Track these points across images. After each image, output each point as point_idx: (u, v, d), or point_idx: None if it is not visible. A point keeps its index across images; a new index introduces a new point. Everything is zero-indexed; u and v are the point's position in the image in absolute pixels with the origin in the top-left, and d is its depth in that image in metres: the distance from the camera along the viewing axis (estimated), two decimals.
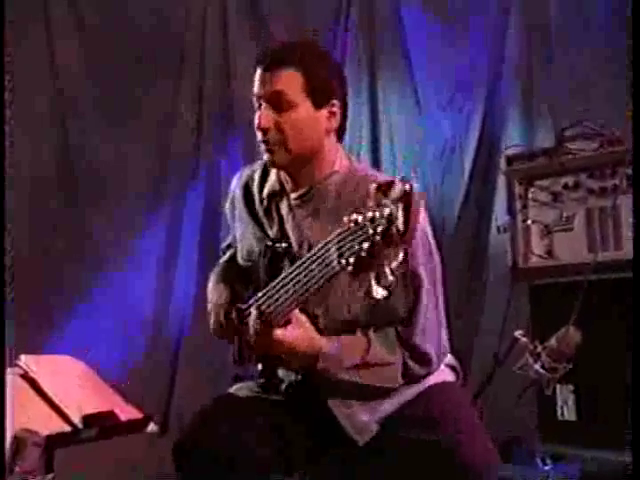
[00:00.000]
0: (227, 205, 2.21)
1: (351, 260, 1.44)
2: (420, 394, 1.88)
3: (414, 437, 1.75)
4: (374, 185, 1.44)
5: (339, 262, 1.48)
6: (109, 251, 3.77)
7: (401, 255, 1.40)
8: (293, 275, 1.72)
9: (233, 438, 1.84)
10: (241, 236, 2.14)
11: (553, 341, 2.49)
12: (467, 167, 3.88)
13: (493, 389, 2.75)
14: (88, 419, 2.32)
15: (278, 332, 1.78)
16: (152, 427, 2.50)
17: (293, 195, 1.99)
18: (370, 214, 1.41)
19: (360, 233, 1.43)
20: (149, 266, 3.84)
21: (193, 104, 3.94)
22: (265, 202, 2.05)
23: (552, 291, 2.80)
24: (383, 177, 1.93)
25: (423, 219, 1.88)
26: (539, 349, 2.50)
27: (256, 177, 2.08)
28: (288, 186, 2.00)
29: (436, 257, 1.93)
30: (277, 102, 1.89)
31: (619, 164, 2.67)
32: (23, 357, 2.43)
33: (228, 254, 2.26)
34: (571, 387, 2.70)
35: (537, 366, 2.48)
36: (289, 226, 1.99)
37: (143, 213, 3.85)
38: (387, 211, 1.39)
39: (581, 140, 2.80)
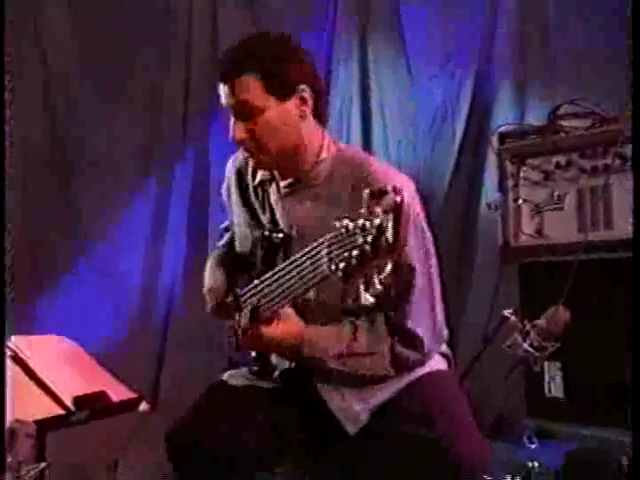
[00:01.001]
0: (224, 188, 2.18)
1: (341, 266, 1.43)
2: (412, 384, 1.87)
3: (405, 429, 1.74)
4: (367, 191, 1.41)
5: (329, 267, 1.47)
6: (98, 228, 3.73)
7: (389, 266, 1.40)
8: (285, 272, 1.69)
9: (230, 437, 1.83)
10: (238, 222, 2.11)
11: (542, 320, 2.47)
12: (458, 135, 3.78)
13: (482, 367, 2.74)
14: (80, 400, 2.29)
15: (264, 329, 1.77)
16: (143, 406, 2.48)
17: (283, 184, 1.96)
18: (361, 222, 1.40)
19: (351, 240, 1.41)
20: (138, 243, 3.80)
21: (180, 84, 3.86)
22: (257, 189, 2.02)
23: (542, 270, 2.76)
24: (374, 164, 1.91)
25: (416, 205, 1.86)
26: (528, 328, 2.47)
27: (250, 163, 2.04)
28: (278, 175, 1.97)
29: (429, 244, 1.89)
30: (243, 111, 1.85)
31: (611, 143, 2.60)
32: (13, 338, 2.39)
33: (226, 237, 2.24)
34: (559, 364, 2.67)
35: (526, 344, 2.46)
36: (279, 214, 1.97)
37: (132, 192, 3.81)
38: (377, 221, 1.38)
39: (574, 118, 2.73)
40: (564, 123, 2.73)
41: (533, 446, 2.52)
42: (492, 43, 3.67)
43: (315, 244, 1.54)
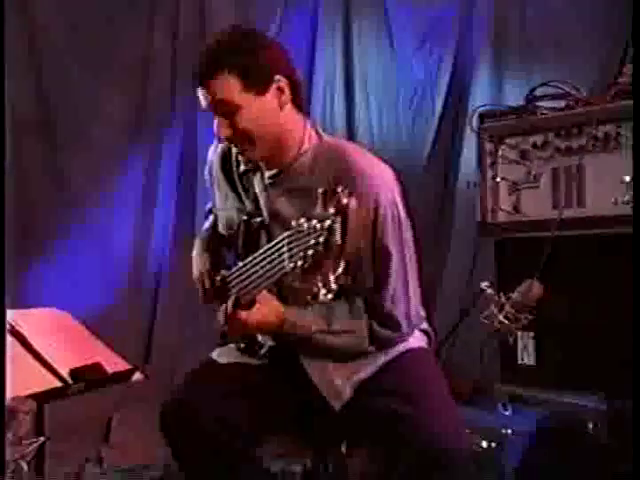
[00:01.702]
0: (206, 172, 2.18)
1: (299, 263, 1.49)
2: (393, 361, 1.92)
3: (383, 405, 1.79)
4: (320, 191, 1.48)
5: (289, 263, 1.53)
6: (87, 197, 3.74)
7: (342, 267, 1.44)
8: (260, 260, 1.74)
9: (220, 413, 1.87)
10: (221, 205, 2.12)
11: (516, 294, 2.56)
12: (437, 111, 3.86)
13: (459, 337, 2.84)
14: (76, 372, 2.29)
15: (246, 314, 1.82)
16: (137, 376, 2.46)
17: (267, 174, 1.98)
18: (314, 223, 1.46)
19: (305, 240, 1.47)
20: (127, 210, 3.81)
21: (167, 53, 3.84)
22: (242, 177, 2.04)
23: (517, 245, 2.81)
24: (354, 155, 1.92)
25: (395, 194, 1.90)
26: (503, 300, 2.57)
27: (234, 149, 2.03)
28: (263, 166, 1.98)
29: (406, 231, 1.93)
30: (223, 110, 1.85)
31: (585, 125, 2.64)
32: (9, 312, 2.39)
33: (210, 220, 2.25)
34: (531, 334, 2.75)
35: (501, 316, 2.56)
36: (262, 202, 1.99)
37: (120, 161, 3.81)
38: (327, 223, 1.43)
39: (550, 100, 2.77)
40: (541, 104, 2.78)
41: (507, 413, 2.62)
42: (470, 23, 3.72)
43: (277, 240, 1.60)
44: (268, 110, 1.87)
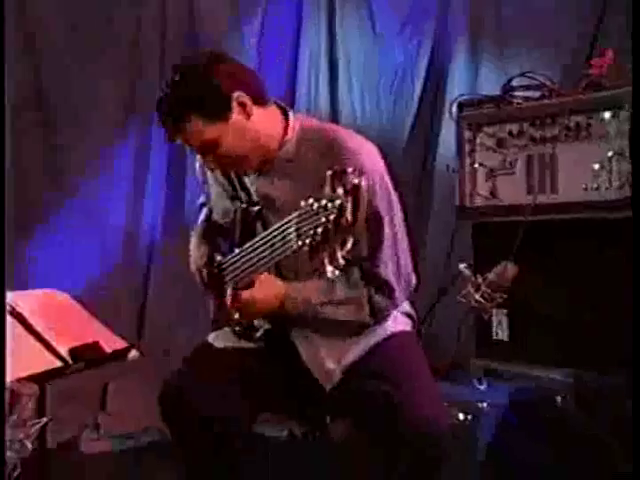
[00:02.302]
0: (198, 165, 2.21)
1: (307, 241, 1.52)
2: (380, 345, 1.99)
3: (373, 389, 1.85)
4: (329, 172, 1.50)
5: (297, 241, 1.57)
6: (82, 171, 3.77)
7: (350, 242, 1.49)
8: (259, 245, 1.80)
9: (217, 398, 1.92)
10: (216, 196, 2.16)
11: (492, 274, 2.62)
12: (417, 92, 3.89)
13: (438, 315, 2.94)
14: (75, 352, 2.33)
15: (248, 294, 1.88)
16: (133, 354, 2.51)
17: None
18: (324, 202, 1.49)
19: (315, 218, 1.50)
20: (120, 183, 3.86)
21: (155, 37, 3.85)
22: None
23: (494, 229, 2.89)
24: (338, 129, 2.01)
25: (380, 167, 1.97)
26: (480, 281, 2.63)
27: None
28: None
29: (394, 198, 1.98)
30: (200, 147, 1.90)
31: (558, 115, 2.71)
32: (9, 294, 2.39)
33: (204, 212, 2.28)
34: (505, 311, 2.85)
35: (477, 295, 2.63)
36: (254, 192, 2.03)
37: (114, 141, 3.81)
38: (338, 202, 1.47)
39: (525, 90, 2.83)
40: (517, 94, 2.85)
41: (482, 387, 2.75)
42: (449, 8, 3.77)
43: (285, 221, 1.64)
44: (239, 128, 1.90)
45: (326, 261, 1.50)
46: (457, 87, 3.73)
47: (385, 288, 1.94)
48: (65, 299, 2.67)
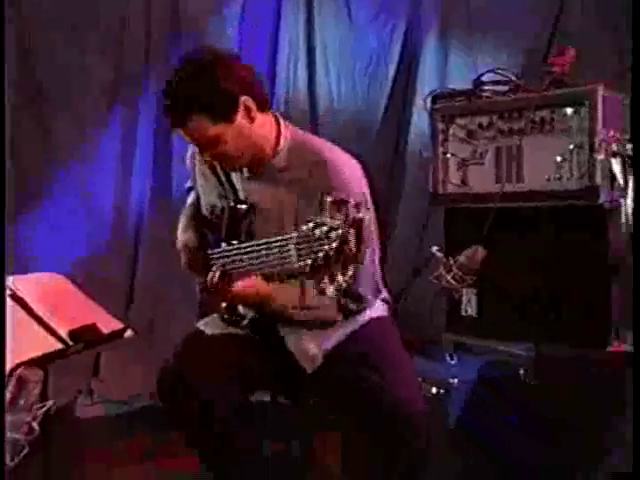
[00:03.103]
0: (188, 156, 2.23)
1: (308, 262, 1.52)
2: (359, 330, 2.05)
3: (353, 374, 1.93)
4: (329, 199, 1.52)
5: (297, 262, 1.56)
6: (70, 150, 3.79)
7: (351, 271, 1.51)
8: (256, 251, 1.81)
9: (210, 382, 1.95)
10: (204, 190, 2.19)
11: (462, 257, 2.75)
12: (390, 75, 3.98)
13: (411, 295, 3.07)
14: (74, 333, 2.35)
15: (232, 288, 1.92)
16: (129, 334, 2.51)
17: (245, 169, 2.06)
18: (325, 229, 1.49)
19: (318, 243, 1.50)
20: (108, 162, 3.88)
21: (141, 17, 3.86)
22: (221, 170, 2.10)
23: (464, 214, 3.01)
24: (325, 148, 2.01)
25: (362, 185, 2.00)
26: (451, 263, 2.76)
27: None
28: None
29: (372, 217, 1.96)
30: (203, 144, 1.93)
31: (525, 109, 2.82)
32: (10, 278, 2.43)
33: (192, 197, 2.32)
34: (474, 290, 2.98)
35: (449, 277, 2.75)
36: (242, 194, 2.07)
37: (102, 119, 3.81)
38: (340, 232, 1.48)
39: (494, 85, 2.94)
40: (487, 88, 2.96)
41: (453, 362, 2.91)
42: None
43: (284, 237, 1.64)
44: (241, 131, 1.93)
45: (327, 281, 1.51)
46: (428, 71, 3.87)
47: (354, 297, 2.00)
48: (62, 281, 2.70)
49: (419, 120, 3.64)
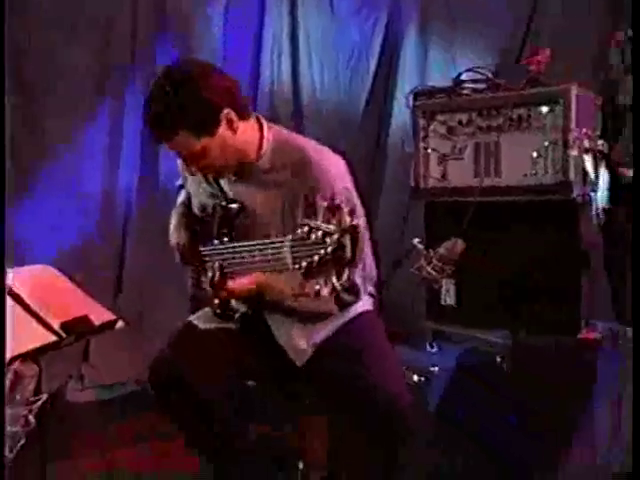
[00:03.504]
0: (179, 160, 2.22)
1: (303, 264, 1.53)
2: (347, 324, 2.10)
3: (343, 369, 1.98)
4: (324, 205, 1.53)
5: (293, 264, 1.57)
6: (58, 142, 3.80)
7: (346, 275, 1.52)
8: (250, 251, 1.84)
9: (202, 375, 1.99)
10: (195, 190, 2.23)
11: (442, 249, 2.79)
12: (372, 68, 4.07)
13: (393, 285, 3.14)
14: (66, 325, 2.36)
15: (231, 282, 1.97)
16: (120, 325, 2.51)
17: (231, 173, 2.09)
18: (320, 234, 1.49)
19: (313, 247, 1.50)
20: (96, 154, 3.90)
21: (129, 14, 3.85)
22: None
23: (444, 208, 3.07)
24: (308, 146, 2.04)
25: (347, 180, 2.04)
26: (431, 255, 2.81)
27: None
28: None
29: (359, 210, 1.98)
30: (189, 157, 1.97)
31: (503, 107, 2.88)
32: (9, 274, 2.39)
33: (183, 195, 2.35)
34: (453, 281, 3.06)
35: (429, 268, 2.80)
36: (230, 194, 2.11)
37: (89, 110, 3.83)
38: (335, 237, 1.48)
39: (473, 83, 2.99)
40: (466, 86, 3.01)
41: (433, 350, 2.99)
42: None
43: (278, 240, 1.65)
44: (225, 142, 1.96)
45: (322, 283, 1.52)
46: (409, 66, 3.93)
47: (353, 289, 2.04)
48: (54, 274, 2.70)
49: (400, 113, 3.70)
